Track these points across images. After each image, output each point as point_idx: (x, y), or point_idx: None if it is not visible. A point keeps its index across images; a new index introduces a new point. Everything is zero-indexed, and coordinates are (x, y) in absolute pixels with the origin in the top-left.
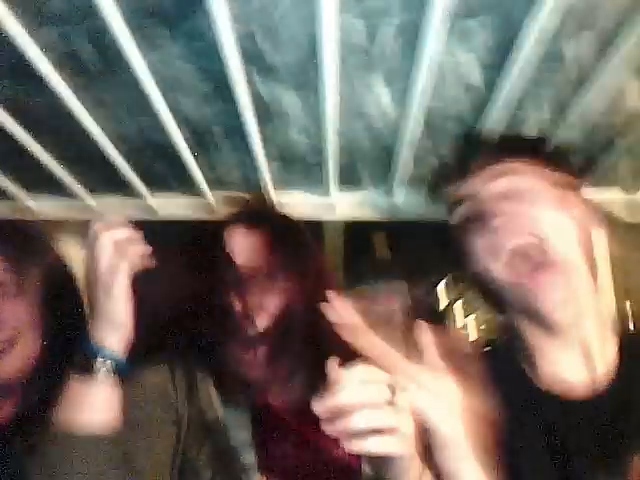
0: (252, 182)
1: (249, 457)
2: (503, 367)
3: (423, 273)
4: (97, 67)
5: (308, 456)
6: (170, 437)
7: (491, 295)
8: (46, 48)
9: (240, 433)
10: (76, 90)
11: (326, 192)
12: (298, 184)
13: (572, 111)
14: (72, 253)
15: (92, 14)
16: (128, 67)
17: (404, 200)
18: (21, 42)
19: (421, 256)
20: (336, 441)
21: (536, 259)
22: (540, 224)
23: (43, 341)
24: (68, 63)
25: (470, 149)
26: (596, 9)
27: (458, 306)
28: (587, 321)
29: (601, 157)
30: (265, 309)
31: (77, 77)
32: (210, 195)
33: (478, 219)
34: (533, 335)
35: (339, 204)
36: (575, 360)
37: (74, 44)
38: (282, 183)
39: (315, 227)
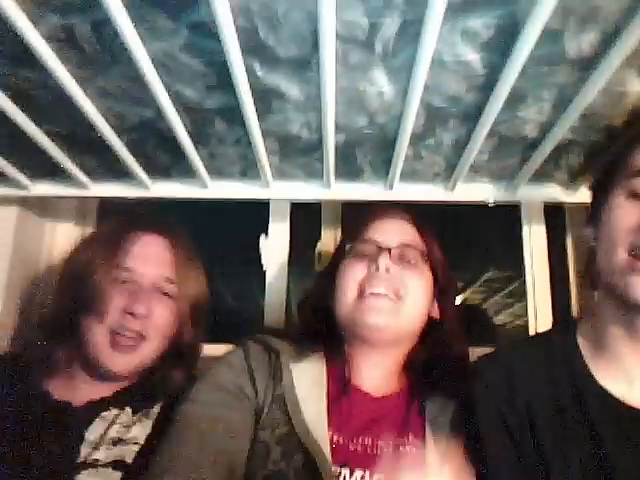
0: (252, 173)
1: (321, 430)
2: (559, 350)
3: None
4: (100, 57)
5: (374, 437)
6: (243, 436)
7: (592, 274)
8: (49, 37)
9: (314, 407)
10: (79, 79)
11: (326, 184)
12: (298, 176)
13: (574, 109)
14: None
15: (95, 4)
16: (130, 57)
17: (404, 194)
18: (24, 30)
19: None
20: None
21: None
22: None
23: (166, 349)
24: (71, 52)
25: None
26: (599, 7)
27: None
28: None
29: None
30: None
31: (80, 66)
32: (210, 185)
33: None
34: (615, 332)
35: (339, 196)
36: None
37: (77, 34)
38: (282, 174)
39: (314, 217)
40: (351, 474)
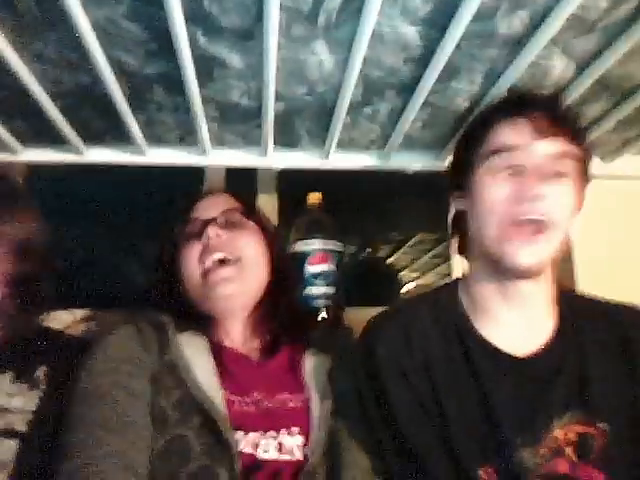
0: (190, 140)
1: (214, 389)
2: (444, 306)
3: (357, 233)
4: (38, 21)
5: (263, 394)
6: (145, 398)
7: (463, 240)
8: None
9: (204, 370)
10: (14, 43)
11: (264, 152)
12: (236, 143)
13: (502, 84)
14: None
15: None
16: (69, 22)
17: (340, 161)
18: None
19: (355, 216)
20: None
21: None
22: (559, 205)
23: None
24: (7, 16)
25: (519, 101)
26: None
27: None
28: (545, 285)
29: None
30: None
31: (16, 30)
32: (147, 151)
33: (515, 171)
34: (489, 293)
35: (276, 164)
36: (520, 322)
37: None
38: (220, 141)
39: (249, 184)
40: (244, 437)
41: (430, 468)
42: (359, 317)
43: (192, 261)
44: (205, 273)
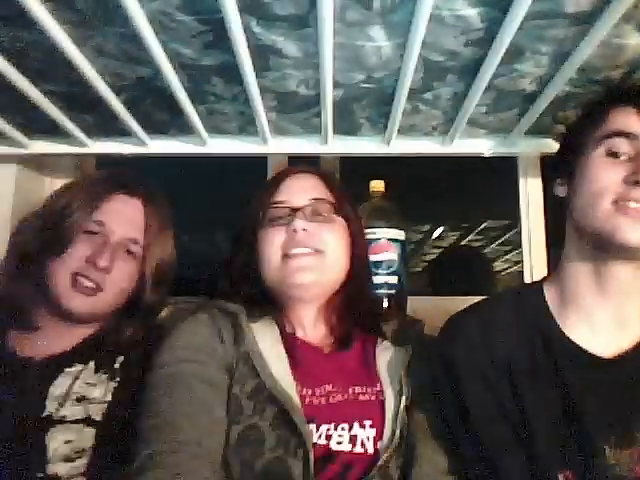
0: (250, 130)
1: (288, 383)
2: (527, 304)
3: (420, 221)
4: (95, 16)
5: (336, 387)
6: (220, 387)
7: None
8: None
9: (278, 361)
10: (75, 38)
11: (324, 139)
12: (296, 131)
13: (571, 63)
14: None
15: None
16: (126, 16)
17: (402, 148)
18: None
19: (418, 205)
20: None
21: None
22: None
23: (128, 297)
24: (66, 12)
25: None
26: None
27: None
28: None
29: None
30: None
31: (76, 26)
32: (208, 141)
33: (629, 156)
34: (584, 285)
35: (336, 151)
36: (612, 318)
37: None
38: (280, 130)
39: None
40: (317, 429)
41: (506, 471)
42: (425, 307)
43: (274, 245)
44: (285, 258)
